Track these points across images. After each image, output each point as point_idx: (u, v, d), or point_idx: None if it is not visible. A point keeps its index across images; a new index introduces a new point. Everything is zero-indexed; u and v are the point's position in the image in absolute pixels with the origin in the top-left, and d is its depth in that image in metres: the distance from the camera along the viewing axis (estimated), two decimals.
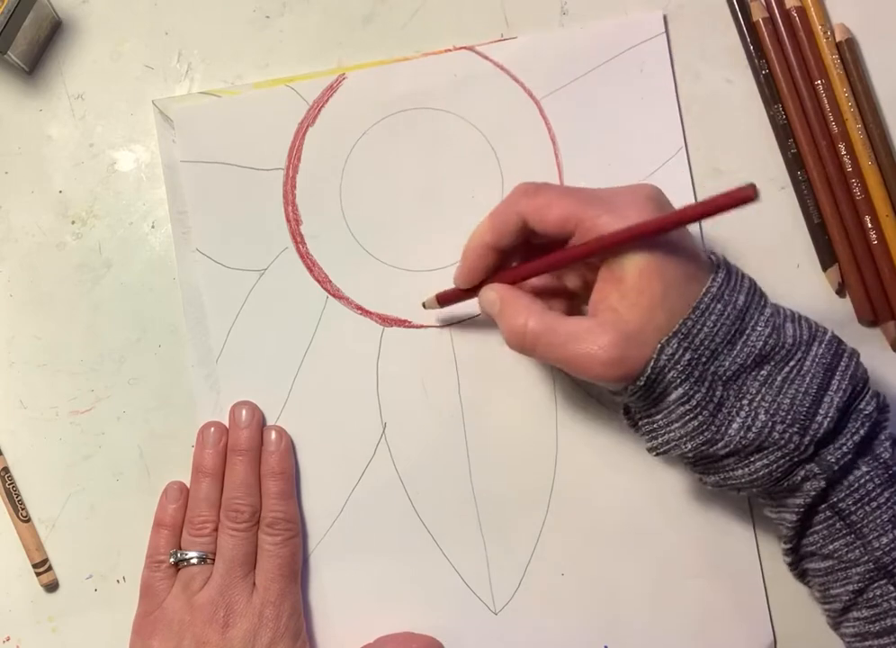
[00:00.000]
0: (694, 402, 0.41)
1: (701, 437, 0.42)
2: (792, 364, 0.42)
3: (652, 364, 0.41)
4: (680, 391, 0.41)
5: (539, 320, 0.43)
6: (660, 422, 0.43)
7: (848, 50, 0.51)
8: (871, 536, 0.41)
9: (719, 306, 0.41)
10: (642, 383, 0.41)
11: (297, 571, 0.49)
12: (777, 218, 0.51)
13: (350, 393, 0.50)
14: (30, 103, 0.52)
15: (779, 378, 0.42)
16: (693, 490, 0.50)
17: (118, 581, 0.50)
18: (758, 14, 0.51)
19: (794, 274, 0.51)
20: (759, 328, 0.42)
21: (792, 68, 0.51)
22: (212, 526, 0.48)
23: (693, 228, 0.51)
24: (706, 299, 0.41)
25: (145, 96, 0.52)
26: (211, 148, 0.51)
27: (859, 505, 0.41)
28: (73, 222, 0.52)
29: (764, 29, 0.51)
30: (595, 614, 0.50)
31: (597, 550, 0.50)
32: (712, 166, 0.52)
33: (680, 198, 0.51)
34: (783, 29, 0.51)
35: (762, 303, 0.43)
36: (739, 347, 0.42)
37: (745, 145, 0.52)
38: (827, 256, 0.51)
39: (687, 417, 0.42)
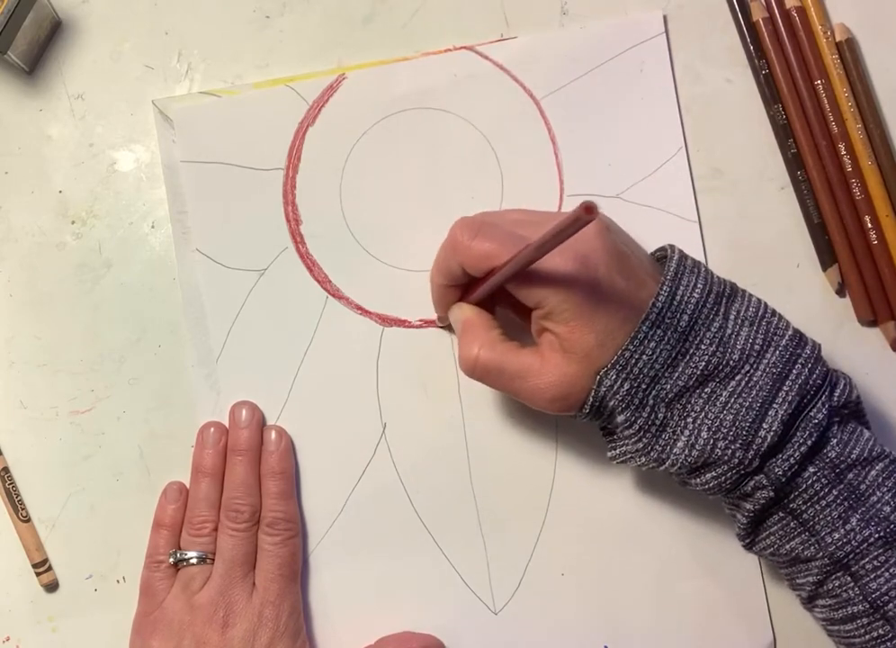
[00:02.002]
0: (636, 427, 0.42)
1: (647, 457, 0.43)
2: (738, 377, 0.42)
3: (593, 394, 0.42)
4: (622, 417, 0.42)
5: (489, 353, 0.44)
6: (617, 436, 0.44)
7: (848, 50, 0.51)
8: (823, 533, 0.42)
9: (658, 332, 0.41)
10: (587, 411, 0.43)
11: (297, 571, 0.49)
12: (777, 218, 0.51)
13: (350, 393, 0.50)
14: (30, 103, 0.52)
15: (724, 394, 0.42)
16: (692, 490, 0.49)
17: (118, 581, 0.50)
18: (758, 14, 0.51)
19: (794, 274, 0.51)
20: (703, 347, 0.42)
21: (792, 68, 0.51)
22: (212, 526, 0.48)
23: (691, 226, 0.51)
24: (644, 327, 0.41)
25: (145, 96, 0.52)
26: (211, 148, 0.51)
27: (809, 504, 0.42)
28: (73, 222, 0.52)
29: (764, 29, 0.51)
30: (595, 614, 0.50)
31: (597, 550, 0.50)
32: (712, 166, 0.52)
33: (680, 198, 0.51)
34: (783, 29, 0.51)
35: (711, 315, 0.42)
36: (680, 369, 0.42)
37: (745, 145, 0.52)
38: (827, 256, 0.51)
39: (633, 438, 0.43)
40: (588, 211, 0.34)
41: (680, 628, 0.49)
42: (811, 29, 0.51)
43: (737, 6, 0.52)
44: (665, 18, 0.52)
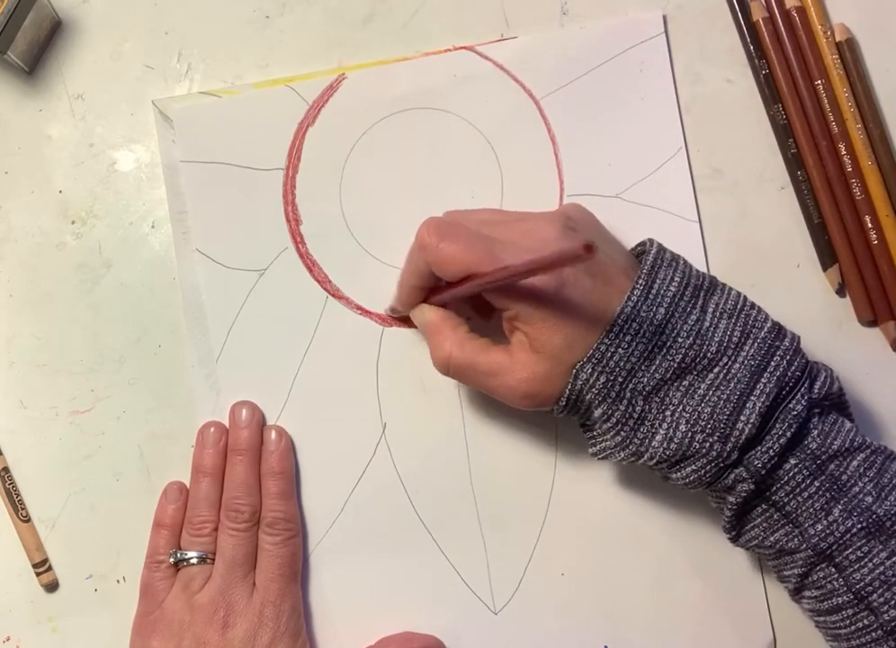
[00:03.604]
0: (613, 420, 0.42)
1: (626, 451, 0.43)
2: (716, 370, 0.42)
3: (569, 387, 0.42)
4: (599, 410, 0.42)
5: (460, 352, 0.44)
6: (596, 431, 0.44)
7: (848, 50, 0.51)
8: (806, 525, 0.42)
9: (634, 325, 0.41)
10: (564, 404, 0.43)
11: (297, 571, 0.49)
12: (777, 218, 0.51)
13: (350, 393, 0.50)
14: (30, 103, 0.52)
15: (702, 386, 0.42)
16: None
17: (118, 581, 0.50)
18: (758, 14, 0.51)
19: (794, 274, 0.51)
20: (680, 340, 0.42)
21: (792, 68, 0.51)
22: (212, 526, 0.48)
23: (691, 226, 0.51)
24: (619, 320, 0.41)
25: (145, 96, 0.52)
26: (211, 148, 0.51)
27: (791, 496, 0.42)
28: (73, 222, 0.52)
29: (764, 29, 0.51)
30: (595, 614, 0.50)
31: (597, 550, 0.50)
32: (712, 166, 0.52)
33: (680, 198, 0.51)
34: (783, 29, 0.51)
35: (689, 307, 0.42)
36: (658, 363, 0.42)
37: (745, 145, 0.52)
38: (827, 256, 0.51)
39: (611, 432, 0.43)
40: (588, 250, 0.34)
41: (680, 628, 0.49)
42: (811, 29, 0.51)
43: (737, 6, 0.52)
44: (665, 18, 0.52)
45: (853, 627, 0.42)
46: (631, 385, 0.42)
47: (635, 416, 0.42)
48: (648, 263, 0.43)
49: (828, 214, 0.50)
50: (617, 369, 0.42)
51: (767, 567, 0.49)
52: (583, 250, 0.34)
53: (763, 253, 0.51)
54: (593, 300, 0.42)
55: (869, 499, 0.41)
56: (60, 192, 0.52)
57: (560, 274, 0.41)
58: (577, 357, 0.42)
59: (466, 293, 0.43)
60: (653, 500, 0.50)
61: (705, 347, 0.42)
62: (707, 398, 0.42)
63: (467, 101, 0.52)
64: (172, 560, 0.48)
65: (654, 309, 0.42)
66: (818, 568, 0.42)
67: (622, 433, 0.42)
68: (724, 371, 0.42)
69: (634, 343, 0.42)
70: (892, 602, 0.41)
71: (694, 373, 0.42)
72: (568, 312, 0.41)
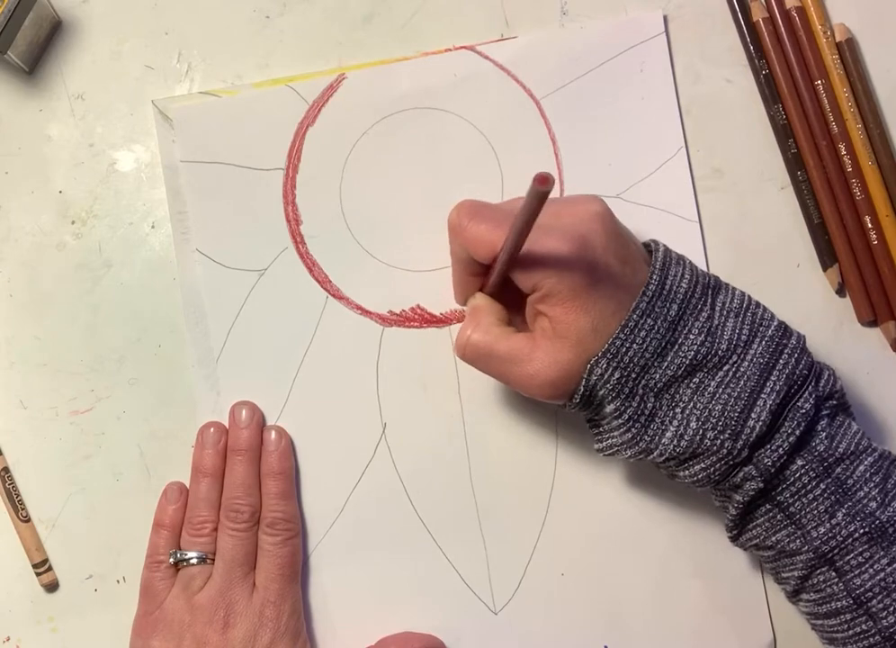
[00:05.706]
0: (625, 417, 0.42)
1: (636, 448, 0.43)
2: (726, 368, 0.42)
3: (584, 383, 0.42)
4: (612, 406, 0.42)
5: (481, 336, 0.44)
6: (604, 427, 0.44)
7: (848, 50, 0.51)
8: (809, 527, 0.42)
9: (648, 321, 0.42)
10: (577, 400, 0.43)
11: (297, 571, 0.49)
12: (777, 218, 0.51)
13: (350, 393, 0.50)
14: (30, 103, 0.52)
15: (712, 384, 0.42)
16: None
17: (118, 581, 0.50)
18: (758, 14, 0.51)
19: (794, 274, 0.51)
20: (692, 337, 0.42)
21: (792, 68, 0.51)
22: (212, 526, 0.48)
23: (691, 226, 0.51)
24: (634, 316, 0.41)
25: (145, 96, 0.52)
26: (211, 148, 0.51)
27: (796, 497, 0.42)
28: (73, 222, 0.52)
29: (764, 29, 0.51)
30: (595, 614, 0.50)
31: (597, 550, 0.50)
32: (712, 166, 0.52)
33: (680, 198, 0.51)
34: (783, 29, 0.51)
35: (699, 305, 0.42)
36: (669, 359, 0.42)
37: (745, 145, 0.52)
38: (827, 256, 0.51)
39: (622, 429, 0.43)
40: (542, 182, 0.34)
41: (680, 628, 0.49)
42: (811, 29, 0.51)
43: (737, 6, 0.52)
44: (665, 18, 0.52)
45: (850, 632, 0.42)
46: (643, 382, 0.42)
47: (646, 413, 0.42)
48: (659, 260, 0.43)
49: (828, 214, 0.50)
50: (631, 365, 0.42)
51: (765, 567, 0.49)
52: (538, 183, 0.34)
53: (763, 253, 0.51)
54: (621, 285, 0.42)
55: (873, 504, 0.41)
56: (60, 192, 0.52)
57: (592, 255, 0.41)
58: (600, 345, 0.42)
59: (500, 274, 0.43)
60: (654, 501, 0.50)
61: (716, 346, 0.42)
62: (717, 395, 0.42)
63: (467, 101, 0.52)
64: (172, 560, 0.48)
65: (668, 305, 0.42)
66: (818, 571, 0.42)
67: (632, 430, 0.42)
68: (734, 369, 0.42)
69: (649, 339, 0.42)
70: (891, 608, 0.41)
71: (705, 370, 0.42)
72: (599, 294, 0.41)
